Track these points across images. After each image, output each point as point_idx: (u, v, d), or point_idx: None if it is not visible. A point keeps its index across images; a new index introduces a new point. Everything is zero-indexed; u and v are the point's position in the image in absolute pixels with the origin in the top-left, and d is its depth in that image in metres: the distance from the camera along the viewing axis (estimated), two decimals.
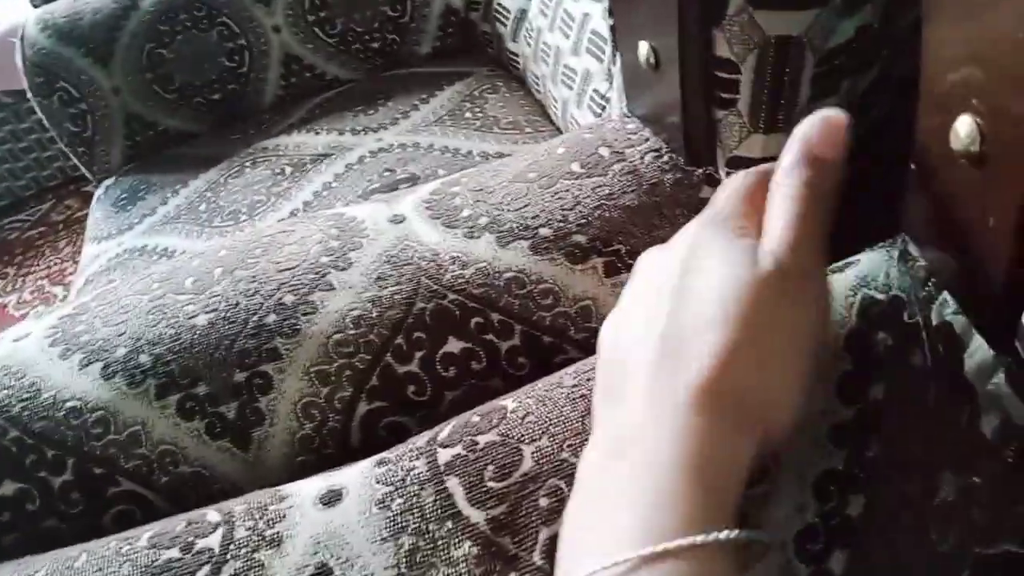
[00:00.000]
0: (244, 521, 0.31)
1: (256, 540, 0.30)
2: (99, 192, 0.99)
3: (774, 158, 0.38)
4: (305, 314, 0.40)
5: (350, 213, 0.46)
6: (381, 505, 0.30)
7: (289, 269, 0.42)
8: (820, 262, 0.28)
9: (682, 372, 0.25)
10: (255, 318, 0.40)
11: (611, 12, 0.43)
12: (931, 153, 0.26)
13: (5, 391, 0.40)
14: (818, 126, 0.30)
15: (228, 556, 0.30)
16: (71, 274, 1.67)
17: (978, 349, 0.27)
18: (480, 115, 0.87)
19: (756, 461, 0.25)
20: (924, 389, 0.28)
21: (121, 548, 0.32)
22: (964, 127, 0.24)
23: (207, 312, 0.41)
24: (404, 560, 0.29)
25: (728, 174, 0.39)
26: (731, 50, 0.35)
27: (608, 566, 0.22)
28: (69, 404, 0.39)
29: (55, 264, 1.73)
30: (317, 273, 0.42)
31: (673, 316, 0.27)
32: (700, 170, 0.41)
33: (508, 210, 0.43)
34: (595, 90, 0.69)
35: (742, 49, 0.35)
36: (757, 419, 0.25)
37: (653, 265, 0.30)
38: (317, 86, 1.01)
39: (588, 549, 0.24)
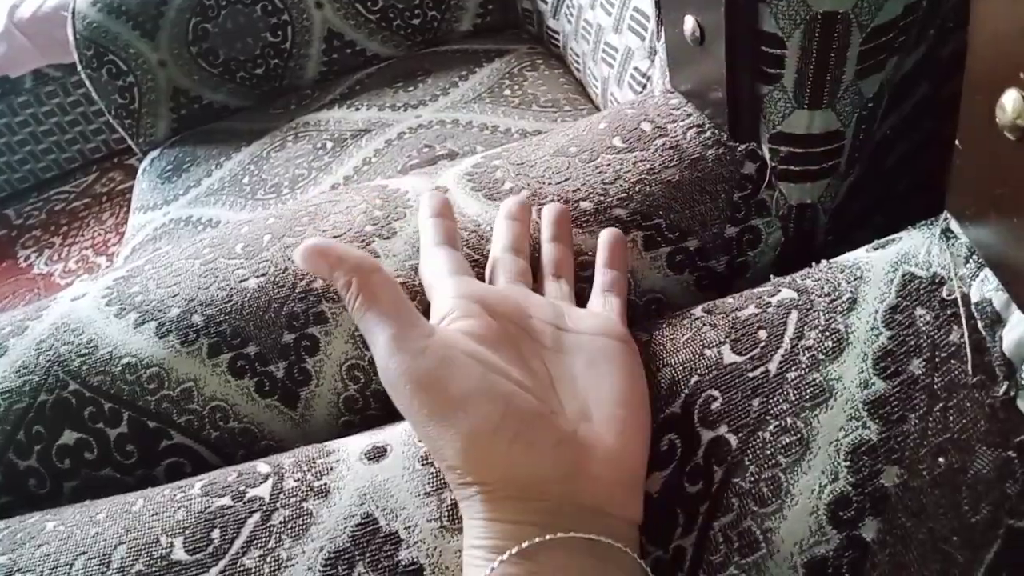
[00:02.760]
0: (293, 473, 0.33)
1: (305, 490, 0.32)
2: (145, 163, 1.02)
3: (817, 135, 0.38)
4: None
5: (393, 185, 0.48)
6: (424, 462, 0.32)
7: (336, 237, 0.43)
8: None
9: None
10: (303, 283, 0.42)
11: None
12: (976, 128, 0.26)
13: (65, 346, 0.42)
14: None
15: (278, 504, 0.32)
16: (115, 245, 1.71)
17: (1017, 325, 0.28)
18: (519, 93, 0.88)
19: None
20: (961, 365, 0.28)
21: (175, 495, 0.34)
22: (1011, 101, 0.24)
23: (257, 276, 0.42)
24: (446, 514, 0.30)
25: (772, 150, 0.39)
26: (777, 25, 0.35)
27: None
28: (125, 360, 0.41)
29: (99, 235, 1.78)
30: (362, 241, 0.43)
31: None
32: (743, 146, 0.41)
33: (549, 183, 0.43)
34: (636, 68, 0.69)
35: (788, 24, 0.35)
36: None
37: None
38: (358, 62, 1.02)
39: None
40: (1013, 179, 0.25)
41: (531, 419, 0.29)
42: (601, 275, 0.38)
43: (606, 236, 0.39)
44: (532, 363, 0.31)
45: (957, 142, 0.28)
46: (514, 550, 0.26)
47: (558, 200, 0.42)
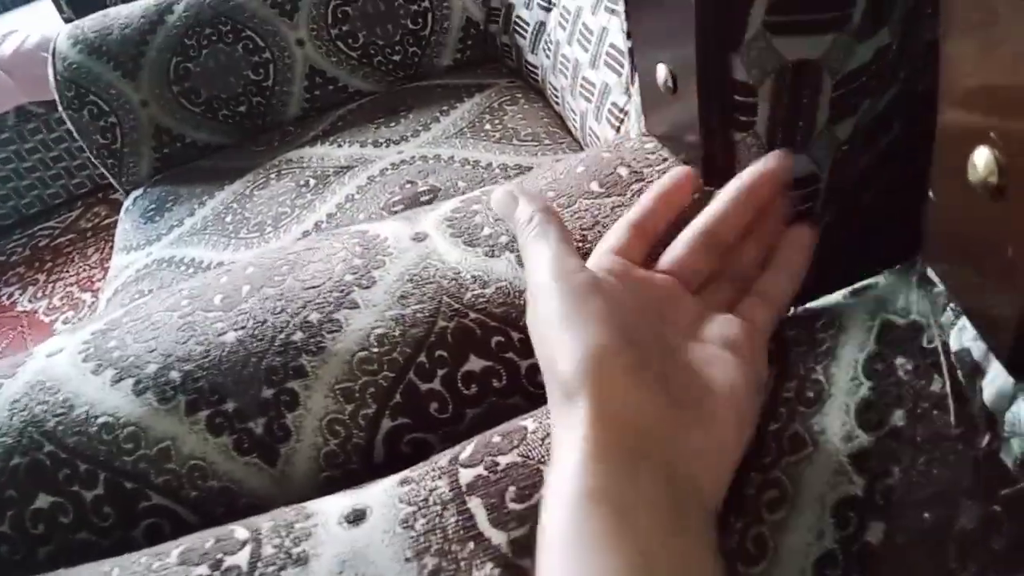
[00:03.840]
0: (271, 539, 0.32)
1: (283, 558, 0.31)
2: (127, 203, 1.01)
3: (793, 179, 0.38)
4: (330, 332, 0.41)
5: (373, 231, 0.47)
6: (405, 525, 0.31)
7: (315, 287, 0.43)
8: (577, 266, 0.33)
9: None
10: (282, 335, 0.41)
11: (629, 35, 0.44)
12: (948, 184, 0.26)
13: (40, 406, 0.41)
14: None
15: (256, 573, 0.31)
16: (99, 280, 1.70)
17: (997, 376, 0.27)
18: (500, 127, 0.88)
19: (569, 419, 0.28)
20: (944, 416, 0.28)
21: (152, 564, 0.33)
22: (982, 159, 0.24)
23: (236, 329, 0.42)
24: None
25: None
26: (748, 74, 0.35)
27: None
28: (101, 420, 0.40)
29: (83, 271, 1.76)
30: (342, 291, 0.43)
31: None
32: (719, 190, 0.41)
33: None
34: (613, 103, 0.70)
35: (759, 73, 0.35)
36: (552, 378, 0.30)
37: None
38: (340, 99, 1.03)
39: None
40: (987, 234, 0.25)
41: (648, 361, 0.30)
42: (765, 277, 0.36)
43: (793, 232, 0.37)
44: (657, 334, 0.32)
45: (931, 194, 0.28)
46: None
47: None
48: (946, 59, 0.26)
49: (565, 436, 0.28)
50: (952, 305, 0.30)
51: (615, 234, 0.37)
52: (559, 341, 0.30)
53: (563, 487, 0.26)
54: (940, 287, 0.31)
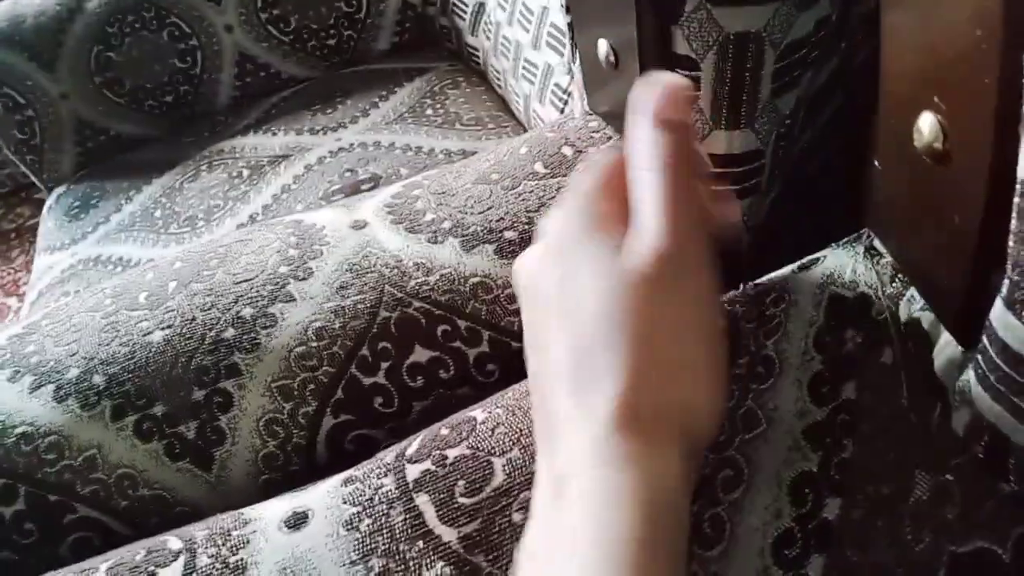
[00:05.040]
0: (206, 548, 0.30)
1: (219, 568, 0.29)
2: (50, 201, 0.96)
3: (738, 154, 0.38)
4: (265, 327, 0.39)
5: (309, 220, 0.45)
6: (349, 527, 0.30)
7: (247, 280, 0.41)
8: (697, 237, 0.26)
9: (596, 398, 0.24)
10: (212, 333, 0.39)
11: (568, 9, 0.42)
12: (893, 151, 0.26)
13: None
14: (657, 91, 0.27)
15: None
16: (25, 284, 1.62)
17: (947, 345, 0.27)
18: (441, 112, 0.86)
19: (695, 468, 0.24)
20: (895, 387, 0.28)
21: None
22: (927, 124, 0.23)
23: (162, 328, 0.39)
24: None
25: (704, 173, 0.39)
26: (690, 47, 0.34)
27: None
28: (19, 430, 0.38)
29: (8, 275, 1.68)
30: (276, 284, 0.40)
31: (571, 345, 0.25)
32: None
33: (471, 213, 0.42)
34: (556, 84, 0.68)
35: (701, 46, 0.34)
36: (683, 424, 0.24)
37: (531, 285, 0.28)
38: (273, 85, 0.99)
39: None
40: (933, 200, 0.25)
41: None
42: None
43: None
44: None
45: (876, 162, 0.27)
46: None
47: (481, 231, 0.41)
48: (888, 26, 0.25)
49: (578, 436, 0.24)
50: (900, 276, 0.30)
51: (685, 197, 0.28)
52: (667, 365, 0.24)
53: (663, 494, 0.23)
54: (887, 258, 0.30)
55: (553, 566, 0.23)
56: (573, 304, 0.25)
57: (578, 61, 0.45)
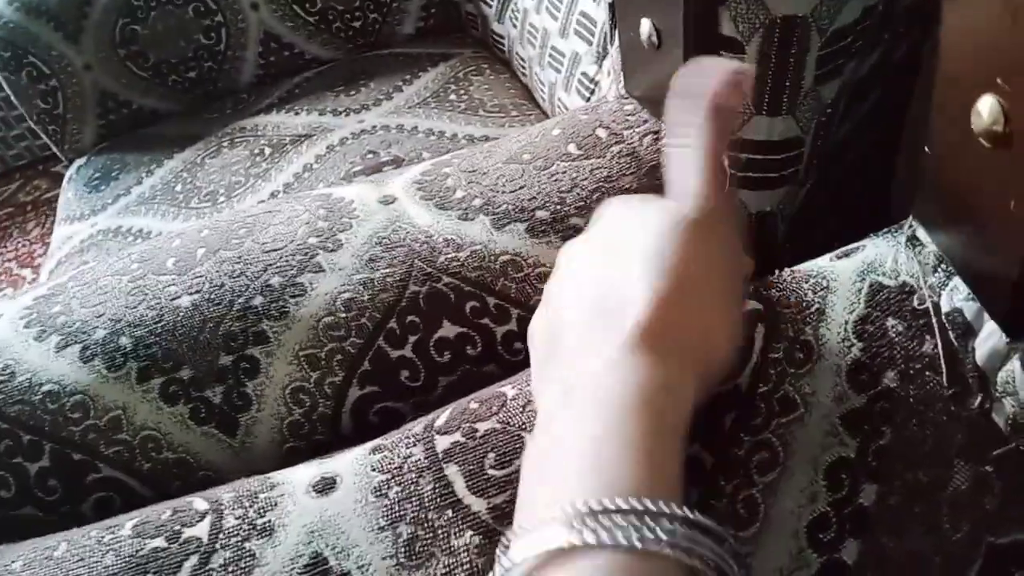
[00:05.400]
0: (233, 509, 0.30)
1: (247, 529, 0.29)
2: (71, 172, 0.96)
3: (777, 141, 0.37)
4: (293, 296, 0.39)
5: (337, 194, 0.45)
6: (378, 493, 0.29)
7: (276, 250, 0.41)
8: (726, 202, 0.30)
9: (618, 323, 0.25)
10: (241, 300, 0.39)
11: None
12: (949, 135, 0.26)
13: None
14: (719, 76, 0.29)
15: (217, 546, 0.29)
16: (40, 256, 1.62)
17: (990, 336, 0.27)
18: (465, 98, 0.86)
19: (701, 397, 0.26)
20: (936, 377, 0.28)
21: (103, 537, 0.31)
22: (987, 107, 0.23)
23: (190, 293, 0.39)
24: (403, 550, 0.28)
25: (731, 158, 0.38)
26: (736, 29, 0.34)
27: (557, 516, 0.21)
28: (45, 388, 0.38)
29: (23, 246, 1.68)
30: (306, 254, 0.40)
31: (603, 281, 0.27)
32: None
33: (503, 192, 0.42)
34: (583, 73, 0.68)
35: (747, 28, 0.34)
36: (697, 356, 0.26)
37: (577, 253, 0.31)
38: (296, 66, 0.99)
39: (543, 500, 0.24)
40: (988, 186, 0.25)
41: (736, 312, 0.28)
42: None
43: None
44: None
45: (927, 148, 0.27)
46: None
47: (513, 210, 0.40)
48: (949, 6, 0.25)
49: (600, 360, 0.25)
50: (943, 266, 0.29)
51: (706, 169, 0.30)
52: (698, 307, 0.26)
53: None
54: (930, 247, 0.30)
55: (552, 466, 0.24)
56: (616, 249, 0.28)
57: (616, 42, 0.44)
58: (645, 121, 0.42)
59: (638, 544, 0.21)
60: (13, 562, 0.31)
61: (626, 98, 0.45)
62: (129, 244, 0.79)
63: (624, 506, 0.21)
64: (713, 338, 0.27)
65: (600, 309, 0.27)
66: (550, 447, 0.25)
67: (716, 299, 0.27)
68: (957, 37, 0.25)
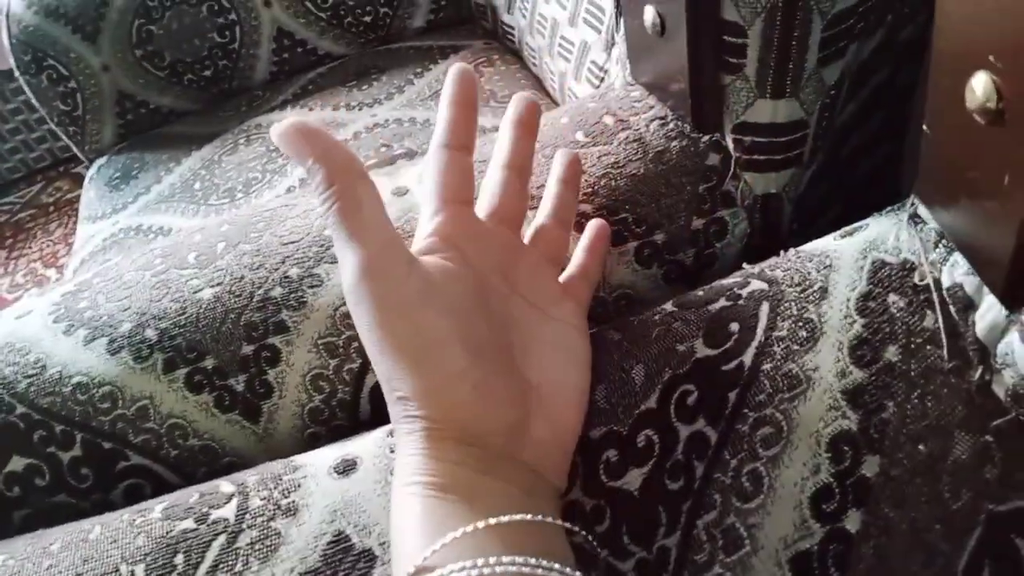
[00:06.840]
0: (258, 491, 0.31)
1: (272, 509, 0.30)
2: (91, 172, 0.98)
3: (781, 124, 0.38)
4: (311, 287, 0.40)
5: None
6: None
7: (293, 242, 0.42)
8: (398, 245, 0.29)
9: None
10: (261, 291, 0.40)
11: None
12: (945, 112, 0.26)
13: (10, 368, 0.40)
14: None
15: (244, 525, 0.30)
16: (64, 256, 1.65)
17: (989, 310, 0.28)
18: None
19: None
20: (937, 350, 0.28)
21: (135, 520, 0.32)
22: (980, 84, 0.24)
23: (212, 286, 0.41)
24: None
25: (736, 141, 0.39)
26: (739, 13, 0.35)
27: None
28: (75, 380, 0.39)
29: (47, 246, 1.72)
30: (321, 246, 0.41)
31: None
32: (707, 137, 0.40)
33: None
34: (593, 62, 0.69)
35: (749, 12, 0.34)
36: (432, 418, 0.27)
37: None
38: (309, 62, 1.00)
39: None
40: (983, 162, 0.25)
41: (495, 371, 0.28)
42: (581, 258, 0.37)
43: (594, 224, 0.38)
44: (500, 318, 0.31)
45: (925, 127, 0.28)
46: (480, 524, 0.25)
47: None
48: None
49: (408, 438, 0.28)
50: (944, 242, 0.30)
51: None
52: (392, 368, 0.28)
53: (409, 480, 0.27)
54: (931, 224, 0.30)
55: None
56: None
57: (622, 30, 0.45)
58: (651, 107, 0.43)
59: None
60: (51, 544, 0.32)
61: (633, 85, 0.45)
62: (150, 241, 0.81)
63: None
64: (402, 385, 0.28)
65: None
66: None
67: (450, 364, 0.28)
68: (951, 15, 0.25)
